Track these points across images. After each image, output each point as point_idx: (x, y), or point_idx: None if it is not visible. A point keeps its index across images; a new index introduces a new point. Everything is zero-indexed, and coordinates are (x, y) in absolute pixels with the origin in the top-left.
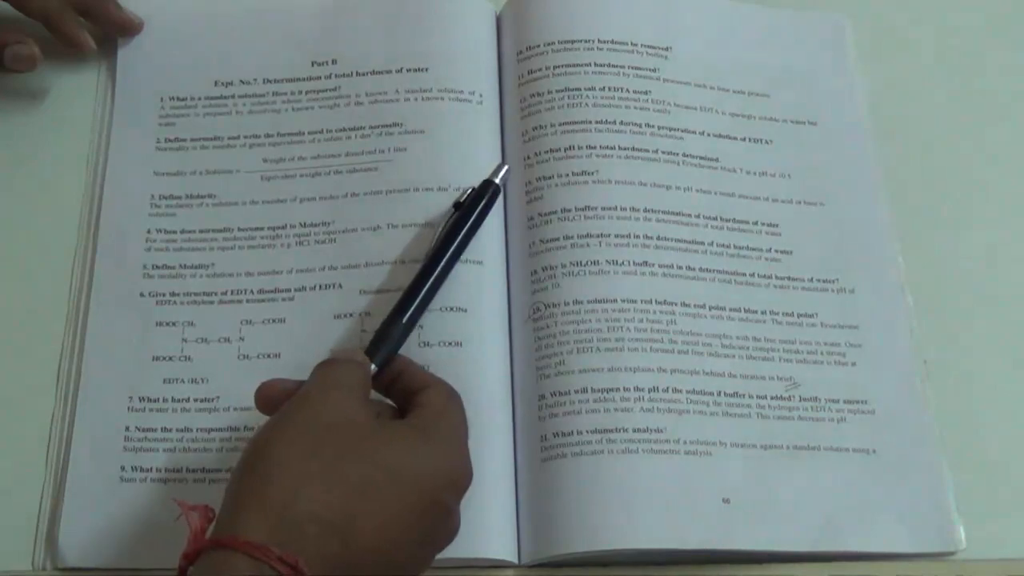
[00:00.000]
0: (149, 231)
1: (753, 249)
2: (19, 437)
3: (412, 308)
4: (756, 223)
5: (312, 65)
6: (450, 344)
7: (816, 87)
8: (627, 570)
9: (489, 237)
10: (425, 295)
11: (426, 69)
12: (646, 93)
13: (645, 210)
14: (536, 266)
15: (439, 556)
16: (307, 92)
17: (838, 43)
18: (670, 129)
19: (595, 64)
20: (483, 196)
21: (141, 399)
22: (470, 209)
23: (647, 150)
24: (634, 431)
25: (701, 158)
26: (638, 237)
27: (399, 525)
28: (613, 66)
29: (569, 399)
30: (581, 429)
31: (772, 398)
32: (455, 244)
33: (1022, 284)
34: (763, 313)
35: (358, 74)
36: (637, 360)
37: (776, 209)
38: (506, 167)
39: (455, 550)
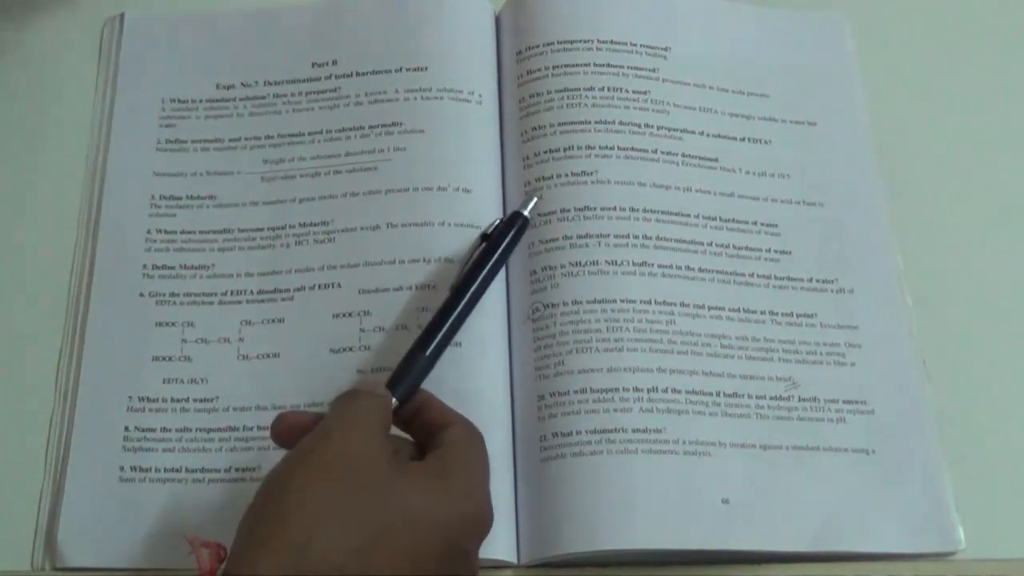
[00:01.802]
0: (149, 231)
1: (752, 249)
2: (19, 437)
3: (435, 341)
4: (755, 223)
5: (312, 66)
6: (450, 344)
7: (815, 87)
8: (627, 570)
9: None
10: (449, 328)
11: (425, 69)
12: (645, 93)
13: (644, 210)
14: (535, 266)
15: None
16: (307, 93)
17: (837, 43)
18: (669, 129)
19: (594, 64)
20: (511, 228)
21: (140, 399)
22: (497, 241)
23: (646, 150)
24: (633, 431)
25: (700, 158)
26: (637, 237)
27: (415, 570)
28: (612, 66)
29: (568, 399)
30: (580, 429)
31: (771, 398)
32: (481, 277)
33: (1022, 284)
34: (762, 313)
35: (358, 74)
36: (636, 360)
37: (775, 209)
38: (536, 199)
39: None
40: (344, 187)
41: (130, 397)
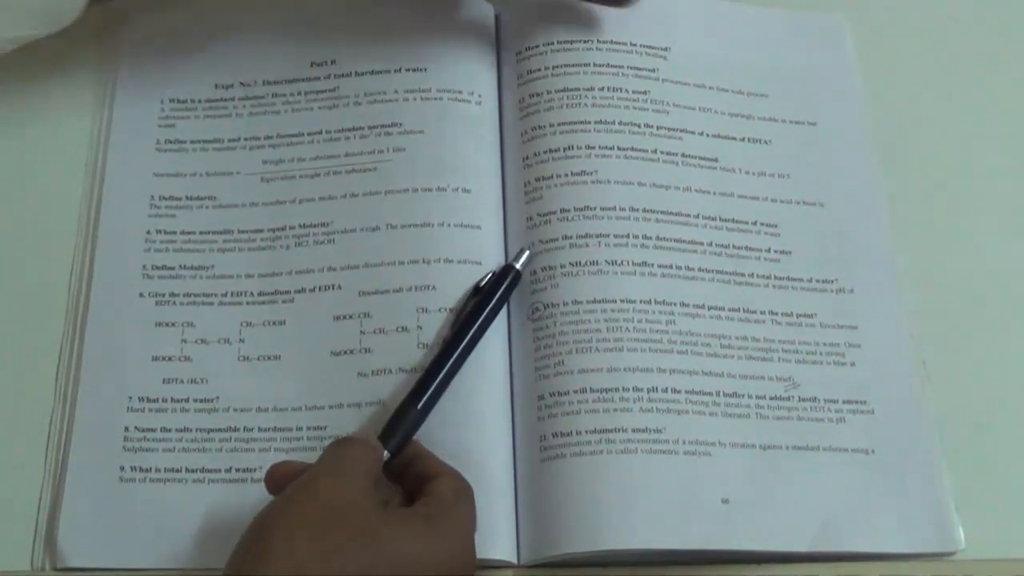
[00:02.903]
0: (149, 232)
1: (752, 249)
2: (19, 437)
3: (427, 395)
4: (755, 223)
5: (311, 66)
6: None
7: (815, 87)
8: (627, 570)
9: (489, 238)
10: (441, 382)
11: (425, 69)
12: (645, 93)
13: (644, 210)
14: (535, 266)
15: None
16: (306, 93)
17: (837, 43)
18: (669, 129)
19: (594, 64)
20: (503, 282)
21: (141, 399)
22: (489, 295)
23: (646, 150)
24: (633, 431)
25: (700, 158)
26: (637, 237)
27: None
28: (612, 66)
29: (568, 399)
30: (580, 429)
31: (771, 398)
32: (473, 330)
33: (1022, 284)
34: (762, 313)
35: (357, 74)
36: (636, 360)
37: (775, 209)
38: (528, 252)
39: None
40: (344, 188)
41: (130, 397)
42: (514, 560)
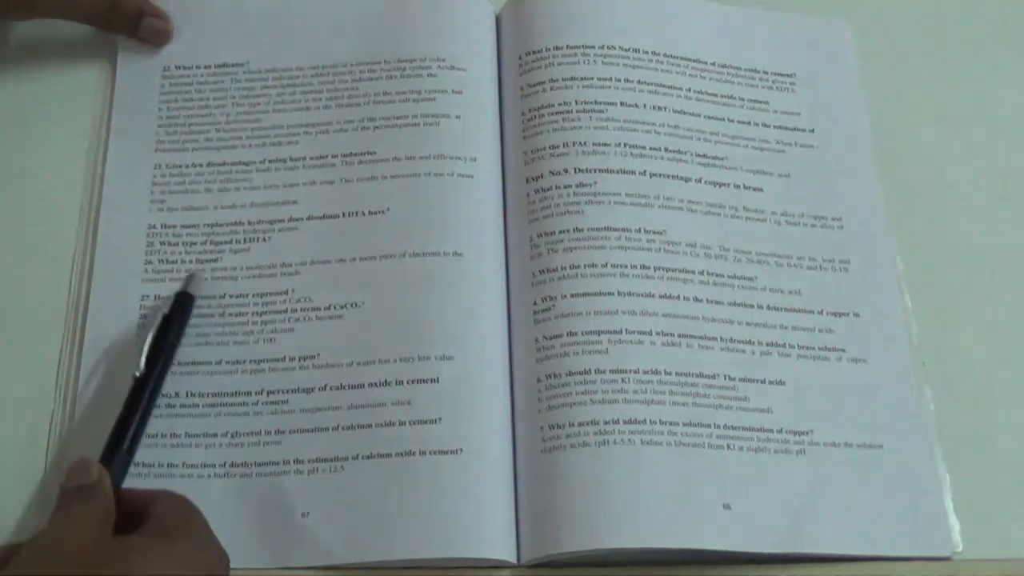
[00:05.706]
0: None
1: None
2: (18, 437)
3: (129, 437)
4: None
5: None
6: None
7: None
8: (627, 570)
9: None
10: (139, 423)
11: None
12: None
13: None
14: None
15: (435, 556)
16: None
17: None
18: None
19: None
20: (179, 310)
21: None
22: (170, 324)
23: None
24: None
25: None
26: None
27: None
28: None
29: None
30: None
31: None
32: (159, 364)
33: (1022, 287)
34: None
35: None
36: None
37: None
38: (203, 274)
39: (454, 549)
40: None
41: None
42: (513, 560)
